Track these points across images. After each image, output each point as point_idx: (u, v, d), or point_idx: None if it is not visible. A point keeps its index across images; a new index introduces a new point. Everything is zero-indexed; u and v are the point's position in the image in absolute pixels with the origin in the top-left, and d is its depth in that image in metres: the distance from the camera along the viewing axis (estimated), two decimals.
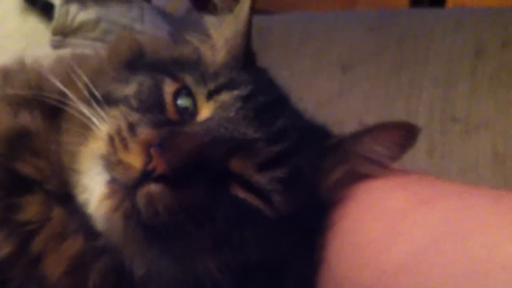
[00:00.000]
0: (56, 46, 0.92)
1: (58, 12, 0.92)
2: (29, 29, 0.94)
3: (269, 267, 0.53)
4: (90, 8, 0.94)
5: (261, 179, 0.52)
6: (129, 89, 0.55)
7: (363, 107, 1.00)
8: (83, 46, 0.92)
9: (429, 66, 1.00)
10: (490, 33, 1.00)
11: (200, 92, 0.55)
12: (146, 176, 0.46)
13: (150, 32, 0.99)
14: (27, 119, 0.54)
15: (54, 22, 0.92)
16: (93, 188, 0.48)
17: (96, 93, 0.53)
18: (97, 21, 0.94)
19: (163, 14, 1.14)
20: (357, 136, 0.59)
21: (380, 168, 0.59)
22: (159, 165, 0.46)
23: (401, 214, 0.53)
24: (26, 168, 0.52)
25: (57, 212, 0.52)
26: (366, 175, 0.59)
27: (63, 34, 0.92)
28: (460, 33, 1.00)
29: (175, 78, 0.56)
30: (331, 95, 1.02)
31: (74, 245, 0.51)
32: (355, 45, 1.07)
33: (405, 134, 0.57)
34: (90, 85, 0.54)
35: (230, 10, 0.65)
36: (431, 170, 0.97)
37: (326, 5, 1.85)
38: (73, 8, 0.93)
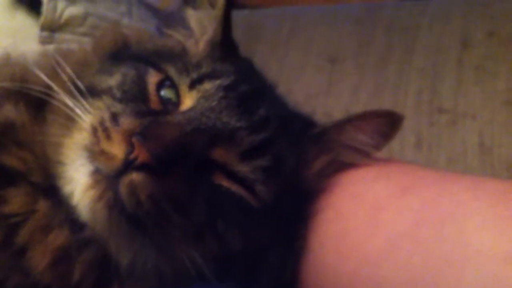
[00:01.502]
0: (44, 41, 0.91)
1: (46, 7, 0.91)
2: (17, 25, 0.93)
3: (250, 255, 0.54)
4: (78, 3, 0.94)
5: (244, 168, 0.53)
6: (113, 80, 0.56)
7: (351, 99, 1.01)
8: (71, 41, 0.92)
9: (416, 57, 1.01)
10: (476, 24, 1.01)
11: (183, 82, 0.56)
12: (128, 165, 0.47)
13: (138, 26, 1.00)
14: (12, 111, 0.55)
15: (42, 18, 0.91)
16: (77, 179, 0.49)
17: (80, 85, 0.54)
18: (85, 16, 0.93)
19: (151, 9, 1.14)
20: (340, 125, 0.59)
21: (363, 157, 0.59)
22: (141, 154, 0.46)
23: (383, 203, 0.54)
24: (10, 160, 0.53)
25: (42, 204, 0.52)
26: (349, 164, 0.60)
27: (51, 29, 0.92)
28: (447, 24, 1.01)
29: (158, 69, 0.57)
30: (320, 88, 1.03)
31: (59, 237, 0.51)
32: (343, 38, 1.08)
33: (388, 123, 0.58)
34: (74, 77, 0.54)
35: (211, 4, 0.66)
36: (419, 161, 0.98)
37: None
38: (61, 3, 0.92)
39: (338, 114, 1.00)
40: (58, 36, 0.93)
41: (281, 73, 1.03)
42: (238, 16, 1.04)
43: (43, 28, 0.92)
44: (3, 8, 0.94)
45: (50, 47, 0.88)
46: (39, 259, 0.51)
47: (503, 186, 0.49)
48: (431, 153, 0.98)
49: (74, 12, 0.93)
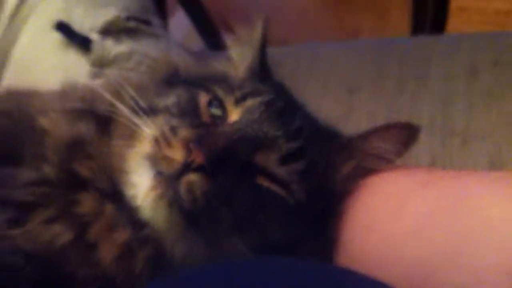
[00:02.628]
0: (94, 77, 1.02)
1: (95, 46, 1.02)
2: (70, 62, 1.04)
3: (289, 245, 0.61)
4: (124, 42, 1.05)
5: (282, 171, 0.61)
6: (169, 100, 0.65)
7: (369, 125, 1.08)
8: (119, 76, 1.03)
9: (428, 85, 1.08)
10: (483, 54, 1.08)
11: (229, 100, 0.65)
12: (186, 167, 0.55)
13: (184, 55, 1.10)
14: (83, 128, 0.63)
15: (92, 55, 1.02)
16: (141, 183, 0.57)
17: (142, 103, 0.62)
18: (130, 54, 1.04)
19: (184, 47, 1.25)
20: (365, 136, 0.68)
21: (386, 163, 0.67)
22: (197, 157, 0.55)
23: (406, 194, 0.60)
24: (82, 169, 0.61)
25: (108, 207, 0.60)
26: (373, 169, 0.67)
27: (100, 65, 1.02)
28: (457, 55, 1.09)
29: (207, 90, 0.66)
30: (339, 115, 1.10)
31: (123, 235, 0.59)
32: (359, 70, 1.16)
33: (408, 133, 0.66)
34: (136, 97, 0.63)
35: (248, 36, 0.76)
36: None
37: (331, 35, 1.96)
38: (109, 42, 1.03)
39: None
40: (107, 71, 1.03)
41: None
42: None
43: (93, 64, 1.03)
44: (56, 47, 1.05)
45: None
46: (106, 254, 0.58)
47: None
48: None
49: (121, 50, 1.04)
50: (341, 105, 1.11)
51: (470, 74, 1.06)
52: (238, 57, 0.75)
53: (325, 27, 2.10)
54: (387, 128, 0.68)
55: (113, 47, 1.04)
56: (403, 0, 1.92)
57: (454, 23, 1.90)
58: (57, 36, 1.04)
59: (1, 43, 1.07)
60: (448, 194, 0.57)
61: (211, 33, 2.05)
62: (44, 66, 1.05)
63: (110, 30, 1.05)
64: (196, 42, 2.14)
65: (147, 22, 1.12)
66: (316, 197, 0.63)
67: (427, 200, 0.58)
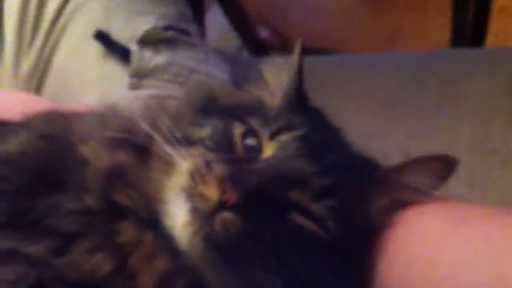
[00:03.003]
0: (133, 87, 1.03)
1: (134, 56, 1.02)
2: (109, 72, 1.04)
3: (321, 284, 0.60)
4: (162, 52, 1.05)
5: (316, 207, 0.60)
6: (205, 131, 0.64)
7: (407, 140, 1.08)
8: (157, 87, 1.03)
9: (468, 102, 1.06)
10: None
11: (264, 133, 0.64)
12: (221, 205, 0.55)
13: (214, 71, 1.10)
14: (123, 157, 0.63)
15: (131, 66, 1.02)
16: (178, 215, 0.57)
17: (177, 135, 0.62)
18: (168, 64, 1.04)
19: (221, 54, 1.25)
20: (401, 168, 0.66)
21: (422, 196, 0.65)
22: (232, 197, 0.55)
23: (443, 234, 0.59)
24: (122, 198, 0.61)
25: (148, 236, 0.60)
26: (409, 203, 0.66)
27: (139, 76, 1.03)
28: (497, 72, 1.07)
29: (242, 122, 0.65)
30: (377, 130, 1.10)
31: (162, 263, 0.59)
32: (397, 84, 1.15)
33: (444, 166, 0.64)
34: (172, 128, 0.63)
35: (282, 49, 0.76)
36: (472, 200, 1.03)
37: (370, 35, 1.94)
38: (148, 53, 1.04)
39: (396, 155, 1.06)
40: (145, 82, 1.04)
41: (340, 116, 1.11)
42: None
43: (132, 75, 1.04)
44: (97, 57, 1.06)
45: (141, 93, 1.00)
46: (147, 283, 0.58)
47: None
48: (484, 192, 1.03)
49: (159, 61, 1.04)
50: (378, 120, 1.11)
51: (509, 93, 1.04)
52: (274, 82, 0.74)
53: (364, 27, 2.08)
54: (424, 160, 0.66)
55: (152, 58, 1.04)
56: (443, 0, 1.88)
57: (497, 24, 1.86)
58: (96, 45, 1.04)
59: (43, 48, 1.08)
60: (484, 242, 0.56)
61: (246, 30, 2.05)
62: (85, 75, 1.05)
63: (148, 40, 1.05)
64: (232, 39, 2.14)
65: (184, 31, 1.12)
66: (351, 234, 0.62)
67: (462, 245, 0.57)
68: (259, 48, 2.02)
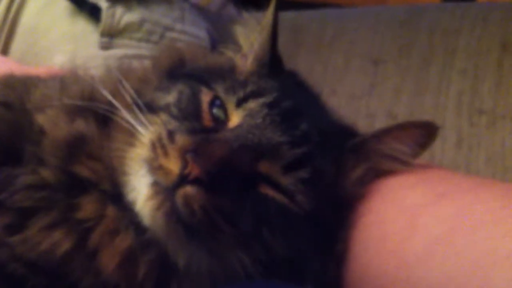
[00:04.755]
0: (104, 47, 0.97)
1: (105, 14, 0.97)
2: (79, 31, 1.00)
3: (295, 259, 0.57)
4: (134, 10, 0.99)
5: (286, 180, 0.57)
6: (170, 97, 0.60)
7: (393, 100, 1.04)
8: (129, 47, 0.98)
9: (457, 59, 1.02)
10: None
11: (230, 101, 0.60)
12: (183, 179, 0.51)
13: (190, 30, 1.05)
14: (83, 125, 0.59)
15: (102, 24, 0.97)
16: (139, 188, 0.54)
17: (140, 103, 0.58)
18: (141, 22, 0.99)
19: (201, 12, 1.19)
20: (379, 136, 0.63)
21: (401, 165, 0.62)
22: (194, 170, 0.51)
23: (420, 208, 0.57)
24: (83, 170, 0.57)
25: (110, 210, 0.56)
26: (388, 172, 0.63)
27: (110, 35, 0.98)
28: (488, 27, 1.02)
29: (209, 88, 0.61)
30: (363, 89, 1.06)
31: (125, 239, 0.55)
32: (386, 40, 1.10)
33: (424, 133, 0.61)
34: (135, 96, 0.59)
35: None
36: (459, 160, 1.00)
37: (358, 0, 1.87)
38: (119, 10, 0.98)
39: (380, 115, 1.02)
40: (117, 41, 0.99)
41: (325, 75, 1.06)
42: (283, 17, 1.07)
43: (103, 34, 0.98)
44: (65, 15, 1.01)
45: (112, 53, 0.95)
46: (109, 261, 0.55)
47: None
48: (471, 152, 1.00)
49: (131, 19, 0.99)
50: (364, 78, 1.06)
51: (501, 49, 0.99)
52: (247, 45, 0.69)
53: None
54: (404, 127, 0.63)
55: (123, 15, 0.98)
56: None
57: None
58: (65, 4, 0.99)
59: (8, 9, 1.02)
60: (462, 215, 0.53)
61: None
62: (53, 35, 1.01)
63: None
64: None
65: None
66: (324, 206, 0.59)
67: (440, 220, 0.54)
68: (246, 2, 1.94)
